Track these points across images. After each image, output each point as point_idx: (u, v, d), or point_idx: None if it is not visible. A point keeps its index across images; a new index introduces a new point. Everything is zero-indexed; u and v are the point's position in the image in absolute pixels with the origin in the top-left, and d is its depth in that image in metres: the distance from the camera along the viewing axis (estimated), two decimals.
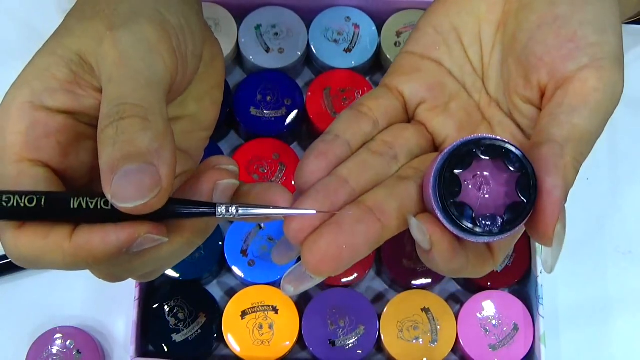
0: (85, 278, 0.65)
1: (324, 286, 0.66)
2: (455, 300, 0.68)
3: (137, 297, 0.63)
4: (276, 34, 0.71)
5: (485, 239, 0.37)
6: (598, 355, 0.68)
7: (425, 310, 0.65)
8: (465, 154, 0.37)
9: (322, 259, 0.36)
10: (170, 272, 0.65)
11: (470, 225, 0.36)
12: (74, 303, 0.67)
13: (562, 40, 0.39)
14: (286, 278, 0.40)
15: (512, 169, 0.37)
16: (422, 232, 0.37)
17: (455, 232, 0.37)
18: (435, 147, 0.44)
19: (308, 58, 0.73)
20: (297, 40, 0.71)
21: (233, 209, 0.37)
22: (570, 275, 0.69)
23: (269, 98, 0.69)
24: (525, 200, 0.36)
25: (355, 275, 0.66)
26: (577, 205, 0.60)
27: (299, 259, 0.38)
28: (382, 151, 0.41)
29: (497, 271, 0.67)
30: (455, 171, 0.37)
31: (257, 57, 0.70)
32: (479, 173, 0.37)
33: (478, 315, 0.65)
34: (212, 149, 0.68)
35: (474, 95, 0.44)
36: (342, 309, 0.64)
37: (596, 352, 0.68)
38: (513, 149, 0.37)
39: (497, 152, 0.37)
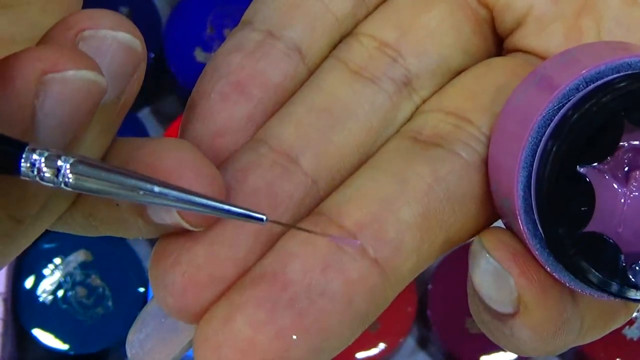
0: None
1: None
2: None
3: None
4: None
5: None
6: None
7: None
8: (607, 120, 0.21)
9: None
10: None
11: (616, 286, 0.22)
12: None
13: None
14: None
15: None
16: (507, 286, 0.24)
17: (584, 291, 0.24)
18: (498, 37, 0.28)
19: None
20: None
21: (64, 164, 0.21)
22: None
23: (226, 32, 0.60)
24: None
25: (383, 346, 0.57)
26: None
27: None
28: (375, 69, 0.26)
29: (628, 336, 0.56)
30: (581, 169, 0.22)
31: None
32: (630, 157, 0.23)
33: None
34: (130, 122, 0.58)
35: None
36: None
37: None
38: None
39: None
